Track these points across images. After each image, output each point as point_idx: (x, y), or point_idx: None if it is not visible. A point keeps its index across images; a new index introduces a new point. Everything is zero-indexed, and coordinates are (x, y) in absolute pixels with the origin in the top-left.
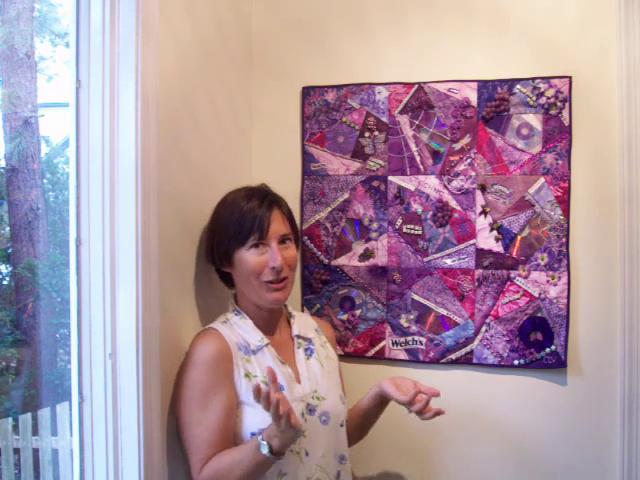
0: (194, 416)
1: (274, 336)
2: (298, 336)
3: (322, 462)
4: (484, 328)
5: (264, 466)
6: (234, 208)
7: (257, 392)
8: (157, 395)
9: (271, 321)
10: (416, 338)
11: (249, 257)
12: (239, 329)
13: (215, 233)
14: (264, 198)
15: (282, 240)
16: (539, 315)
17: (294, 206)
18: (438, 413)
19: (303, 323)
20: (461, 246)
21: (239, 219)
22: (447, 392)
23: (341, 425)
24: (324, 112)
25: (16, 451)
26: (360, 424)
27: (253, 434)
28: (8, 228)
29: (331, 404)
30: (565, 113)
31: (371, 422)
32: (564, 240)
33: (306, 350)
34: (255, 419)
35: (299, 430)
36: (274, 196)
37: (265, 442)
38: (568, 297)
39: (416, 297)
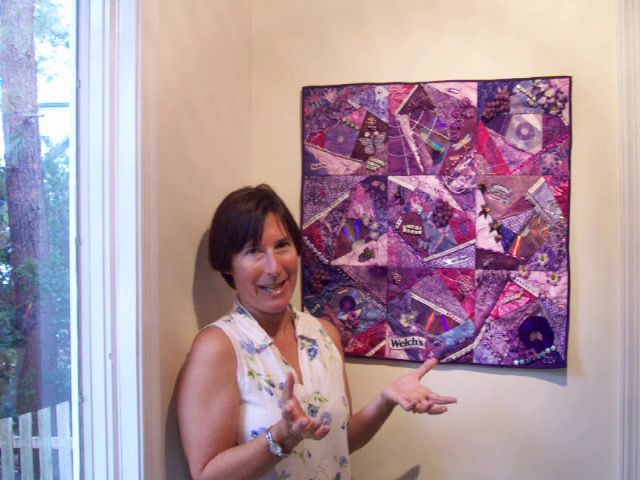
0: (196, 414)
1: (278, 336)
2: (302, 337)
3: (322, 463)
4: (484, 328)
5: (271, 465)
6: (230, 213)
7: (290, 380)
8: (157, 395)
9: (275, 322)
10: (416, 338)
11: (246, 263)
12: (243, 327)
13: (214, 239)
14: (259, 203)
15: (280, 244)
16: (539, 315)
17: (294, 206)
18: (442, 406)
19: (307, 324)
20: (461, 246)
21: (234, 225)
22: (447, 392)
23: (342, 427)
24: (324, 112)
25: (16, 451)
26: (364, 432)
27: (254, 432)
28: (8, 228)
29: (333, 406)
30: (565, 113)
31: (376, 429)
32: (564, 240)
33: (309, 351)
34: (257, 417)
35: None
36: (270, 200)
37: (275, 442)
38: (568, 297)
39: (416, 297)
